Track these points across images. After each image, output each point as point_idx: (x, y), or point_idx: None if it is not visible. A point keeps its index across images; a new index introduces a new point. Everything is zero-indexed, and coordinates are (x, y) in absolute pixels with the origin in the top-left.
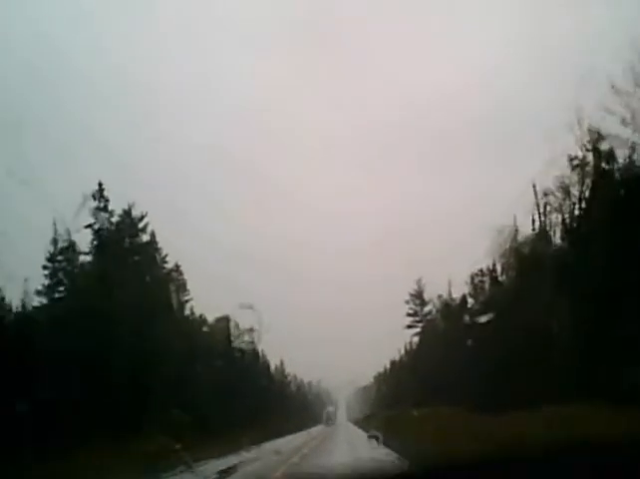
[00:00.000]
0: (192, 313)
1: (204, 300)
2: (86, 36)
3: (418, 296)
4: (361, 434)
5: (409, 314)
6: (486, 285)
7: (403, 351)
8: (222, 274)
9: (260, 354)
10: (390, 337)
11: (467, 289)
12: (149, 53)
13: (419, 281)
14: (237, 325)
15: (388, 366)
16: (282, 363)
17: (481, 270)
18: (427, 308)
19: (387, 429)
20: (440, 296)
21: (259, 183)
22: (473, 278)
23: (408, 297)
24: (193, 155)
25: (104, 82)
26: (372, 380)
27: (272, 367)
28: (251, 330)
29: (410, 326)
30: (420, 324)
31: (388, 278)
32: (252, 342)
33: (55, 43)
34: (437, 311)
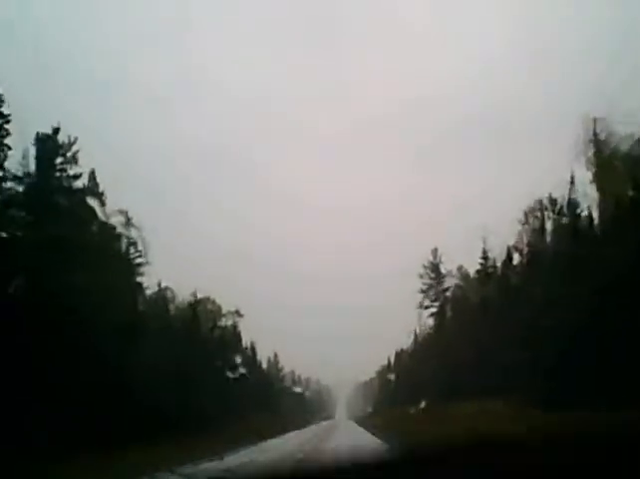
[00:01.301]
0: (161, 288)
1: None
2: (87, 36)
3: (433, 269)
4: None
5: (422, 291)
6: (550, 224)
7: (412, 341)
8: (222, 273)
9: (249, 345)
10: (390, 334)
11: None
12: (149, 53)
13: (434, 252)
14: (220, 308)
15: (392, 359)
16: (276, 356)
17: (541, 203)
18: (444, 284)
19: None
20: (460, 268)
21: (259, 182)
22: (527, 215)
23: (421, 270)
24: (193, 155)
25: (105, 82)
26: (373, 375)
27: (265, 361)
28: (237, 314)
29: (425, 306)
30: (436, 303)
31: (387, 276)
32: (235, 326)
33: (56, 43)
34: (457, 287)
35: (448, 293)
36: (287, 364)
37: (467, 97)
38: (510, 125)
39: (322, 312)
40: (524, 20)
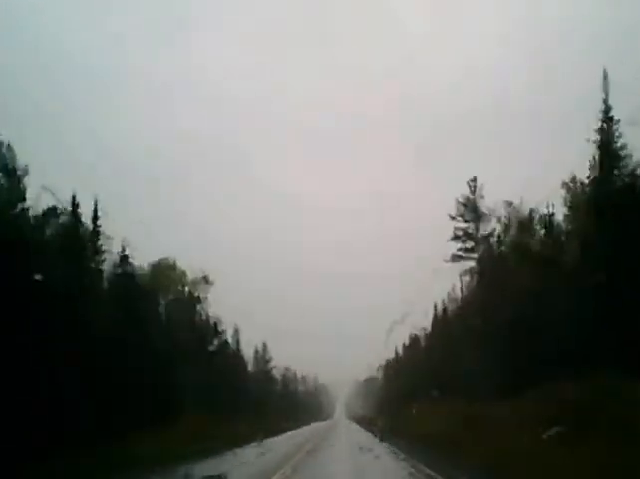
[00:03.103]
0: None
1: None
2: (88, 36)
3: (470, 207)
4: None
5: (456, 237)
6: None
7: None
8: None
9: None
10: (390, 334)
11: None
12: (150, 53)
13: (472, 182)
14: (185, 273)
15: (400, 352)
16: (265, 347)
17: None
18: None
19: None
20: (510, 203)
21: (258, 181)
22: None
23: (453, 211)
24: (193, 154)
25: (106, 82)
26: (375, 373)
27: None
28: (207, 281)
29: (458, 257)
30: (473, 255)
31: (387, 276)
32: (198, 297)
33: (56, 43)
34: (504, 232)
35: (493, 240)
36: (286, 363)
37: (467, 96)
38: (510, 123)
39: (322, 311)
40: (524, 20)
